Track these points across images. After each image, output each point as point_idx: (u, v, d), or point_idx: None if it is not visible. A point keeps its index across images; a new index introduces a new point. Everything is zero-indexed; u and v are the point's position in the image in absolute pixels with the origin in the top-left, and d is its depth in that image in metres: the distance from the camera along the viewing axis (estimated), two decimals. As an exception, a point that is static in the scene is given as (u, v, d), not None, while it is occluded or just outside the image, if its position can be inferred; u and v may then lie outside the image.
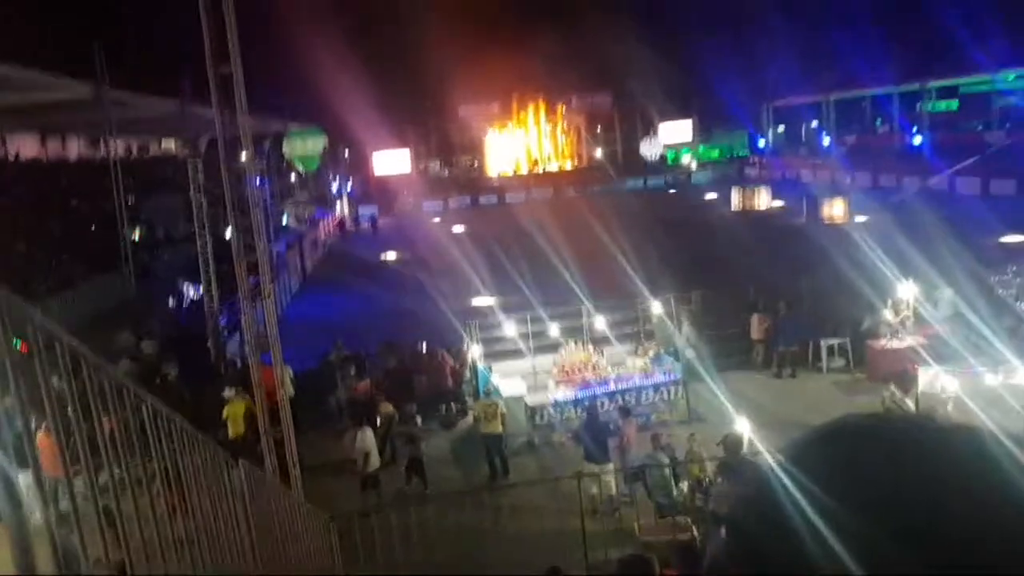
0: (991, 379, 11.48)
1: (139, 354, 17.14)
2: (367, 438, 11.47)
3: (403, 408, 13.02)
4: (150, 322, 19.93)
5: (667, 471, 10.27)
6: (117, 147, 28.98)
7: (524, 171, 66.71)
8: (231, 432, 12.43)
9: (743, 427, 9.59)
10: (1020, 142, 41.81)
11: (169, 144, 52.59)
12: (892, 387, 11.58)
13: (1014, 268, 15.12)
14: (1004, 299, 14.87)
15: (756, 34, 53.78)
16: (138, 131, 40.66)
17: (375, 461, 11.50)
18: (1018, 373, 11.18)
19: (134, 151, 44.64)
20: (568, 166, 68.28)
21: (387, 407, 13.35)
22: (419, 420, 12.55)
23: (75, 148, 43.06)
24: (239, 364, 17.57)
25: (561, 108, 68.29)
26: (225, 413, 12.93)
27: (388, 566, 7.27)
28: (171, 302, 21.89)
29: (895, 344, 14.75)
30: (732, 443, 9.08)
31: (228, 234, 18.87)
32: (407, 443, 12.21)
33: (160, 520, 2.94)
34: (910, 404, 11.18)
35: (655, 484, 10.47)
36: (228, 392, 13.31)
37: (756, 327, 16.18)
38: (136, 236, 29.79)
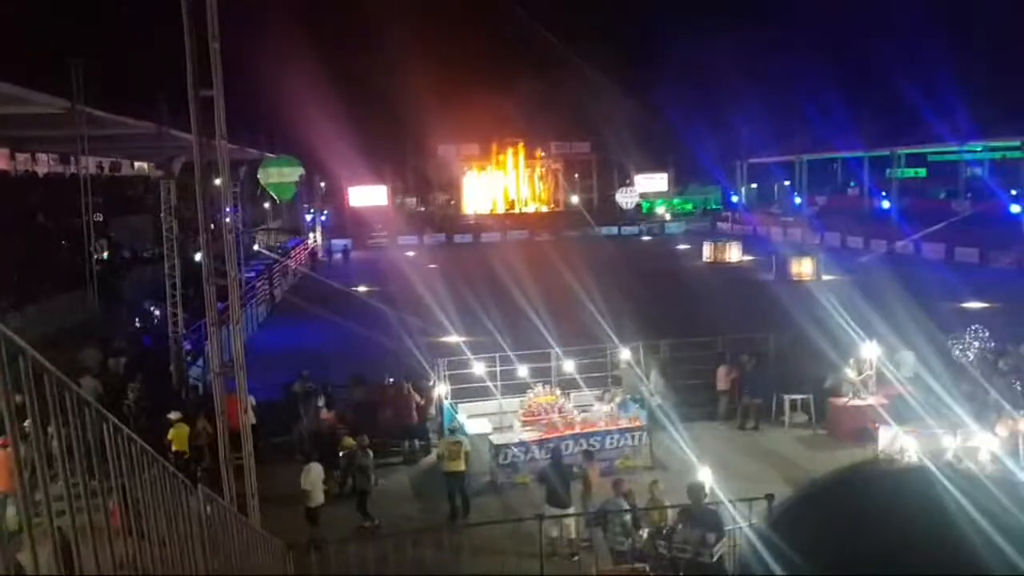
0: (948, 441, 11.66)
1: (104, 372, 16.90)
2: (312, 474, 11.37)
3: (358, 438, 12.85)
4: (117, 340, 19.64)
5: (626, 518, 10.23)
6: (88, 165, 28.69)
7: (500, 212, 67.21)
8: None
9: (705, 476, 9.59)
10: (984, 212, 43.21)
11: (142, 165, 52.18)
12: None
13: (973, 328, 15.48)
14: (961, 363, 15.19)
15: (733, 93, 55.30)
16: (111, 150, 40.30)
17: (319, 497, 11.37)
18: (974, 437, 11.38)
19: (106, 169, 44.17)
20: (544, 210, 68.96)
21: (350, 440, 13.15)
22: (370, 453, 12.32)
23: (45, 164, 42.54)
24: (200, 389, 17.27)
25: (540, 153, 69.22)
26: (170, 435, 12.89)
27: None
28: (137, 323, 21.46)
29: (857, 402, 14.95)
30: (695, 490, 9.10)
31: (198, 257, 18.74)
32: (357, 474, 12.05)
33: (114, 540, 2.86)
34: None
35: (613, 530, 10.42)
36: (173, 415, 13.31)
37: (723, 378, 16.31)
38: (104, 254, 29.34)
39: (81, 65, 24.12)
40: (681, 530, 8.82)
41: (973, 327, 15.36)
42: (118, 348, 18.82)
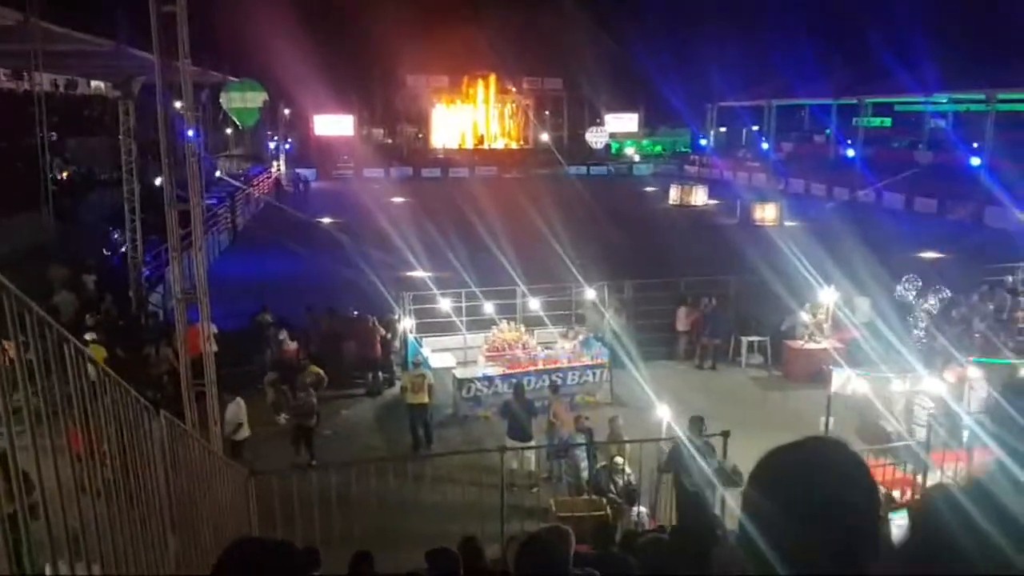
0: (898, 385, 12.08)
1: (78, 287, 16.84)
2: (242, 409, 11.35)
3: (304, 373, 12.72)
4: (87, 258, 19.51)
5: (579, 452, 10.51)
6: (43, 81, 27.47)
7: (469, 147, 66.31)
8: None
9: (663, 413, 9.86)
10: (945, 164, 43.85)
11: (99, 84, 50.14)
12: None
13: (936, 288, 15.86)
14: (908, 304, 15.64)
15: (705, 37, 54.70)
16: (67, 67, 38.58)
17: (246, 431, 11.38)
18: (923, 381, 11.79)
19: (61, 87, 42.36)
20: (513, 146, 68.20)
21: (315, 369, 13.21)
22: (313, 393, 12.13)
23: (-4, 78, 40.62)
24: (161, 316, 17.10)
25: (511, 88, 68.04)
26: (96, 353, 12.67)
27: (305, 530, 7.22)
28: (104, 251, 20.99)
29: (811, 346, 15.38)
30: (696, 423, 9.36)
31: (158, 182, 18.29)
32: (298, 413, 11.87)
33: (74, 462, 2.85)
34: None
35: (568, 465, 10.71)
36: (88, 335, 12.96)
37: (682, 319, 16.62)
38: (63, 175, 28.42)
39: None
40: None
41: (936, 287, 15.71)
42: (88, 266, 18.73)
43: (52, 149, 25.91)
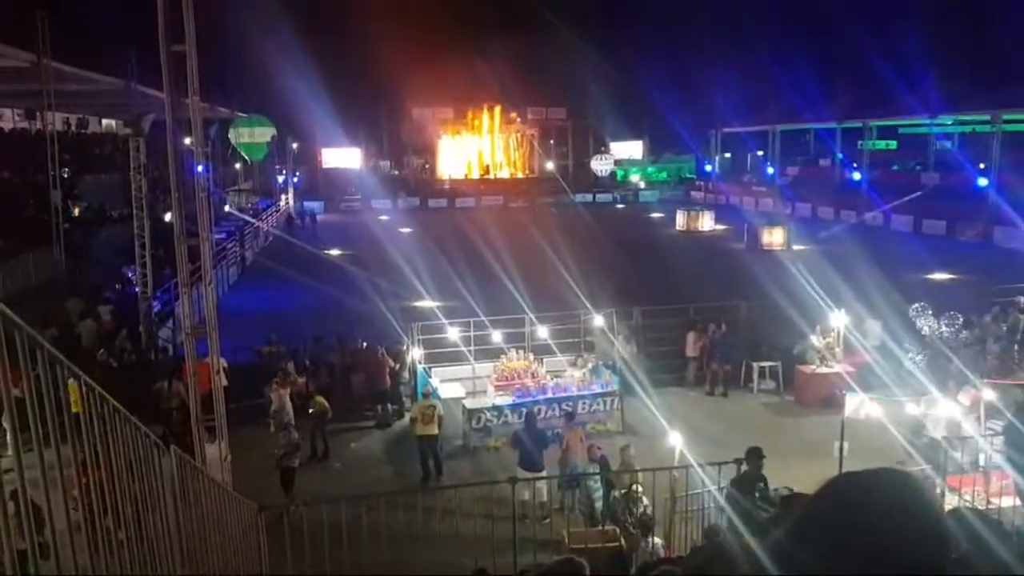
0: (912, 408, 11.94)
1: (97, 317, 17.37)
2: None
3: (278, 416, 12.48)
4: (104, 290, 19.99)
5: (592, 483, 10.38)
6: (55, 121, 27.91)
7: (475, 177, 66.75)
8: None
9: (676, 441, 9.76)
10: (952, 185, 43.81)
11: (110, 122, 50.86)
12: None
13: (949, 314, 15.69)
14: (924, 333, 15.49)
15: (708, 63, 55.16)
16: (78, 106, 39.21)
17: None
18: (938, 405, 11.66)
19: (73, 126, 42.99)
20: (519, 176, 68.62)
21: (320, 400, 13.20)
22: (294, 434, 11.81)
23: (10, 119, 41.29)
24: (170, 351, 17.15)
25: (515, 118, 68.64)
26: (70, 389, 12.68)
27: (315, 564, 7.15)
28: (117, 287, 21.23)
29: (823, 370, 15.26)
30: (755, 455, 9.10)
31: (168, 217, 18.46)
32: (283, 456, 11.42)
33: (84, 500, 2.84)
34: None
35: (581, 495, 10.59)
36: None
37: (691, 345, 16.55)
38: (75, 212, 28.78)
39: (47, 17, 23.31)
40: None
41: (949, 313, 15.57)
42: (106, 298, 19.26)
43: (64, 187, 26.23)
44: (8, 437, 2.16)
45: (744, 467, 8.65)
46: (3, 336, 2.17)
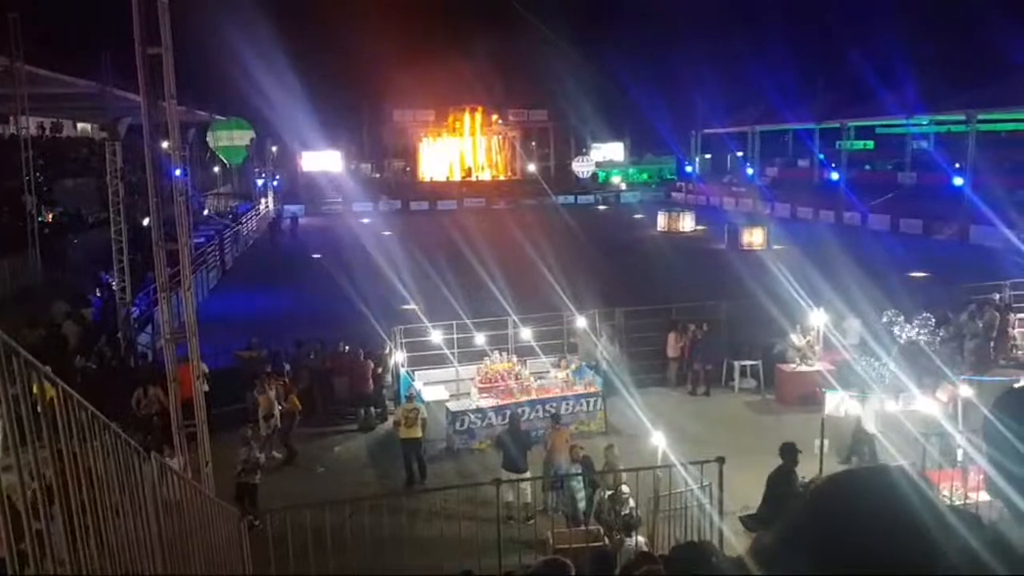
0: (892, 406, 12.09)
1: (82, 318, 17.70)
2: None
3: (242, 428, 12.31)
4: (85, 293, 20.28)
5: (575, 483, 10.41)
6: (29, 125, 27.55)
7: (456, 179, 66.72)
8: None
9: (659, 440, 9.80)
10: (928, 185, 44.38)
11: (85, 126, 50.30)
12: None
13: (922, 316, 15.77)
14: (897, 338, 15.56)
15: (688, 64, 55.50)
16: (52, 110, 38.74)
17: None
18: (916, 401, 11.82)
19: (47, 130, 42.46)
20: (501, 178, 68.66)
21: (294, 400, 13.20)
22: (254, 448, 11.52)
23: (-18, 123, 40.66)
24: (150, 356, 16.99)
25: (496, 120, 68.70)
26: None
27: (299, 568, 7.10)
28: (97, 292, 21.10)
29: (803, 368, 15.40)
30: (791, 451, 9.39)
31: (146, 222, 18.31)
32: (241, 471, 11.04)
33: (62, 506, 2.81)
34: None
35: (564, 496, 10.61)
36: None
37: (672, 345, 16.64)
38: (49, 217, 28.44)
39: (20, 19, 22.99)
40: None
41: (922, 316, 15.65)
42: (88, 299, 19.60)
43: (38, 192, 25.90)
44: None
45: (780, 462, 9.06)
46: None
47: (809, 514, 1.18)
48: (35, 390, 2.65)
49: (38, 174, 26.69)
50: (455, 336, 15.58)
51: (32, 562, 2.34)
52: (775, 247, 34.80)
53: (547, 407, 13.65)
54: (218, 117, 41.13)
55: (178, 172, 9.94)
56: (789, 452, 9.34)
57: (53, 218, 29.23)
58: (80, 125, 50.12)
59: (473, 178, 67.61)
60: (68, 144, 44.71)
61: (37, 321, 16.75)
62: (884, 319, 15.72)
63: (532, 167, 68.14)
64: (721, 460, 8.32)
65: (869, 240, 35.87)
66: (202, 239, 29.79)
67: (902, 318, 15.58)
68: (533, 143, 71.68)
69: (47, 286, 22.74)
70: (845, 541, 1.10)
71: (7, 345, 2.33)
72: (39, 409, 2.62)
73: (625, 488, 9.67)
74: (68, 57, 28.68)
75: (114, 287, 19.14)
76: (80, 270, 24.55)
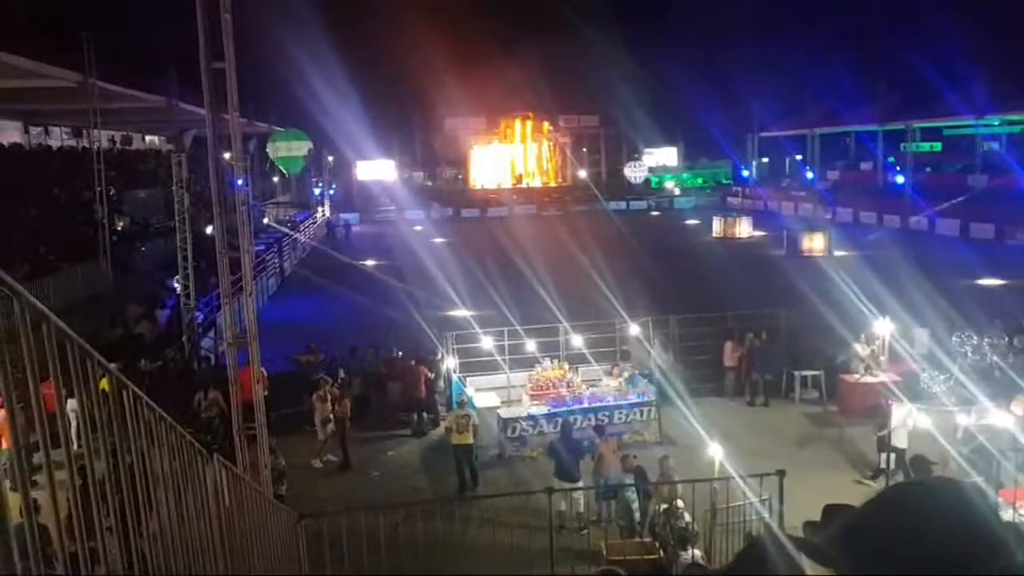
0: (963, 419, 11.62)
1: (155, 319, 19.28)
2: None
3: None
4: (157, 298, 21.63)
5: (630, 494, 10.27)
6: (101, 138, 28.69)
7: (508, 186, 66.95)
8: None
9: (715, 452, 9.62)
10: (1001, 187, 42.69)
11: (152, 139, 52.16)
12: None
13: (965, 333, 15.06)
14: (969, 349, 14.93)
15: (744, 67, 54.68)
16: (122, 123, 40.27)
17: None
18: (989, 414, 11.34)
19: (117, 143, 44.15)
20: (552, 184, 68.65)
21: (344, 407, 13.39)
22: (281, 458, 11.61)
23: (58, 137, 42.55)
24: (213, 360, 17.46)
25: (547, 127, 68.75)
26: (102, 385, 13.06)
27: (354, 572, 7.18)
28: (157, 303, 21.97)
29: (868, 379, 14.91)
30: (923, 463, 9.24)
31: (209, 230, 18.88)
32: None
33: (128, 512, 2.88)
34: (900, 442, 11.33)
35: (619, 506, 10.47)
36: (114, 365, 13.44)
37: (729, 355, 16.30)
38: (120, 226, 29.62)
39: (92, 38, 23.99)
40: None
41: (995, 327, 14.92)
42: (161, 303, 20.90)
43: (109, 202, 26.93)
44: (72, 444, 2.20)
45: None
46: (55, 346, 2.22)
47: (871, 517, 1.17)
48: (106, 389, 2.74)
49: (109, 186, 27.76)
50: (506, 343, 15.58)
51: (83, 564, 2.39)
52: (837, 253, 33.90)
53: (599, 415, 13.53)
54: (277, 128, 42.21)
55: (240, 182, 10.20)
56: (922, 464, 9.05)
57: (123, 227, 30.37)
58: (148, 138, 52.00)
59: (524, 185, 67.76)
60: (137, 156, 46.42)
61: (116, 321, 18.48)
62: (955, 339, 14.98)
63: (583, 173, 67.93)
64: (782, 473, 8.13)
65: (937, 246, 34.73)
66: (262, 247, 30.54)
67: (974, 338, 14.81)
68: (584, 149, 71.48)
69: (117, 292, 23.60)
70: (901, 546, 1.10)
71: (82, 349, 2.41)
72: (111, 410, 2.70)
73: (680, 503, 9.49)
74: (137, 73, 29.81)
75: (178, 293, 19.85)
76: (147, 277, 25.44)
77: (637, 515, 10.15)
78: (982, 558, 1.08)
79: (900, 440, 11.39)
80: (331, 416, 13.29)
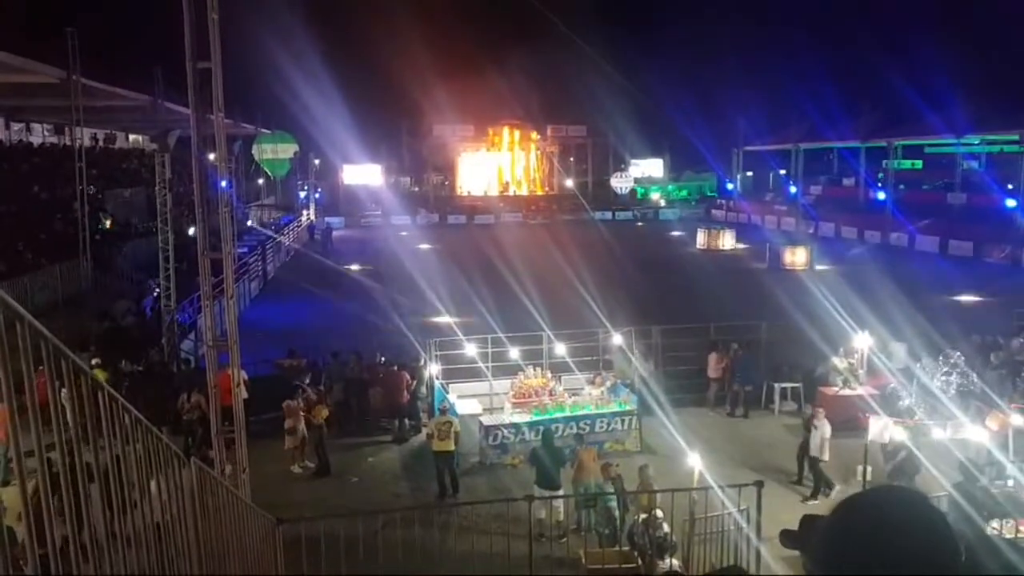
0: (939, 433, 11.74)
1: (141, 313, 19.93)
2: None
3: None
4: (142, 293, 22.24)
5: (611, 502, 10.30)
6: (83, 136, 28.45)
7: (494, 194, 67.04)
8: None
9: (695, 462, 9.65)
10: (979, 206, 43.29)
11: (136, 138, 51.76)
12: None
13: (946, 353, 15.04)
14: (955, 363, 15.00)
15: (731, 81, 55.17)
16: (106, 122, 39.98)
17: None
18: (965, 429, 11.46)
19: (100, 141, 43.78)
20: (538, 193, 68.81)
21: (322, 411, 13.29)
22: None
23: (39, 134, 42.13)
24: (192, 363, 17.30)
25: (535, 136, 68.97)
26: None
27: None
28: (143, 298, 21.97)
29: (846, 392, 15.04)
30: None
31: (192, 231, 18.79)
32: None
33: (104, 509, 2.86)
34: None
35: (599, 515, 10.49)
36: (94, 360, 13.78)
37: (713, 365, 16.39)
38: (107, 224, 29.40)
39: (77, 34, 23.82)
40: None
41: (944, 352, 14.79)
42: (148, 296, 21.67)
43: (92, 201, 26.69)
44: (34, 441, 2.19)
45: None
46: (29, 346, 2.20)
47: (837, 532, 1.26)
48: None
49: (91, 185, 27.52)
50: (489, 350, 15.56)
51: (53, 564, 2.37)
52: (818, 267, 34.21)
53: (580, 424, 13.55)
54: (263, 131, 42.06)
55: (224, 184, 10.15)
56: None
57: (109, 226, 30.13)
58: (132, 137, 51.60)
59: (511, 193, 67.87)
60: (120, 155, 46.04)
61: (106, 314, 19.68)
62: (940, 358, 14.77)
63: (570, 182, 68.16)
64: (759, 484, 8.17)
65: (917, 262, 35.12)
66: (245, 249, 30.35)
67: (963, 358, 14.64)
68: (571, 158, 71.74)
69: (96, 291, 23.38)
70: (872, 558, 1.19)
71: (57, 349, 2.39)
72: (86, 411, 2.68)
73: (659, 512, 9.52)
74: (122, 71, 29.61)
75: (158, 293, 19.78)
76: (127, 277, 25.21)
77: (618, 523, 10.16)
78: (942, 563, 1.17)
79: (818, 451, 11.87)
80: (300, 425, 13.16)
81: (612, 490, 10.58)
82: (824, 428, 12.02)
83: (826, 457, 11.86)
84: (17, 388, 2.00)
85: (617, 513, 10.24)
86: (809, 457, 12.03)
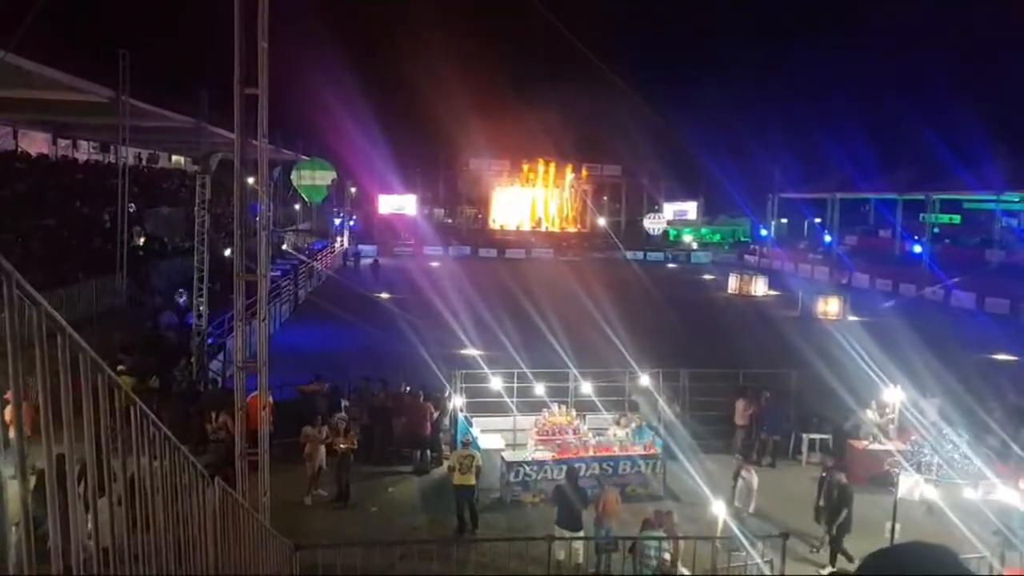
0: (970, 493, 11.39)
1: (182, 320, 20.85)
2: None
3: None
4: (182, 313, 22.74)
5: (664, 553, 9.86)
6: (128, 155, 29.18)
7: (527, 228, 67.38)
8: None
9: (719, 510, 9.46)
10: (1018, 263, 42.44)
11: (178, 159, 53.03)
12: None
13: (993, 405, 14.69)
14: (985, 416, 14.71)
15: (770, 128, 55.15)
16: (150, 142, 41.05)
17: None
18: (997, 490, 11.11)
19: (143, 161, 44.92)
20: (571, 230, 69.02)
21: (350, 440, 13.25)
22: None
23: (85, 151, 43.32)
24: (220, 383, 17.44)
25: (570, 173, 69.39)
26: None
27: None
28: (187, 312, 22.33)
29: (876, 447, 14.69)
30: None
31: (228, 252, 19.09)
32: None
33: (126, 527, 2.87)
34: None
35: (645, 560, 9.92)
36: (120, 367, 13.96)
37: (740, 413, 16.11)
38: (141, 240, 29.97)
39: (128, 56, 24.53)
40: None
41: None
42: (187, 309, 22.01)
43: (131, 218, 27.27)
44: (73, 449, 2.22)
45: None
46: (68, 359, 2.24)
47: None
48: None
49: (131, 202, 28.15)
50: (515, 385, 15.49)
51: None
52: (851, 318, 33.68)
53: (604, 465, 13.36)
54: (303, 157, 42.81)
55: (262, 207, 10.32)
56: None
57: (144, 242, 30.71)
58: (174, 158, 52.89)
59: (543, 228, 68.16)
60: (162, 175, 47.16)
61: (151, 320, 21.70)
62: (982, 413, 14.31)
63: (602, 221, 68.27)
64: (784, 536, 7.98)
65: (952, 317, 34.43)
66: (278, 273, 30.74)
67: (996, 412, 14.21)
68: (605, 197, 72.00)
69: (130, 307, 23.77)
70: None
71: (95, 363, 2.42)
72: (118, 426, 2.71)
73: (684, 571, 9.21)
74: (169, 93, 30.45)
75: (189, 310, 20.10)
76: (161, 294, 25.62)
77: (649, 571, 9.75)
78: None
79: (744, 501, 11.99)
80: (320, 453, 13.11)
81: (656, 534, 9.97)
82: (752, 479, 12.31)
83: (751, 509, 12.00)
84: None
85: (654, 558, 9.65)
86: (827, 512, 11.58)
